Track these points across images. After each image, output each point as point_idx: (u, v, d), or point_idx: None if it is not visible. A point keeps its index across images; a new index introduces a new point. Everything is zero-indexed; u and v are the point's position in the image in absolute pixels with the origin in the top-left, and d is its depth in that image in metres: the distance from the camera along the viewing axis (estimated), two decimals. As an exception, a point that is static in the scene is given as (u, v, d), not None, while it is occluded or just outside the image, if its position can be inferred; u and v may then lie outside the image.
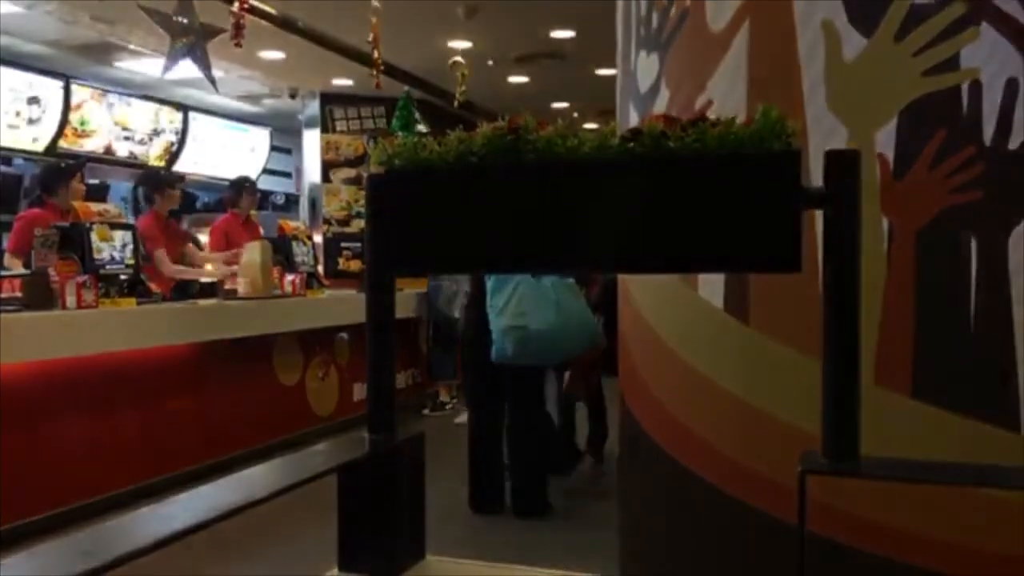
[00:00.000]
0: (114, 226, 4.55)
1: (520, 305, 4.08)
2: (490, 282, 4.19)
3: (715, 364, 2.12)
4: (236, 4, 5.07)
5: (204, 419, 5.14)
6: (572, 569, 2.00)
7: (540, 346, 4.11)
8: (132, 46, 7.14)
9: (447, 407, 7.20)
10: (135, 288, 4.57)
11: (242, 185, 6.77)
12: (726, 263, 1.58)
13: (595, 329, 4.45)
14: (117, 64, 7.82)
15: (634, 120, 2.42)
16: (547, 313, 4.09)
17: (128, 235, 4.62)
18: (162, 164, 8.87)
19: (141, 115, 8.45)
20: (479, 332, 4.33)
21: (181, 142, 8.96)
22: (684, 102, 2.18)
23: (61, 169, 5.32)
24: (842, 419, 1.36)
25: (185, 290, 6.09)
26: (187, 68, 5.28)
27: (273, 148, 10.47)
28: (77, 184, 5.10)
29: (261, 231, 6.58)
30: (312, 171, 9.66)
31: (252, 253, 5.48)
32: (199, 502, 1.35)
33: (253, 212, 6.81)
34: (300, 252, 6.14)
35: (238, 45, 5.13)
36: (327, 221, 9.22)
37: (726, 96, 2.06)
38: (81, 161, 6.53)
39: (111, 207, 4.87)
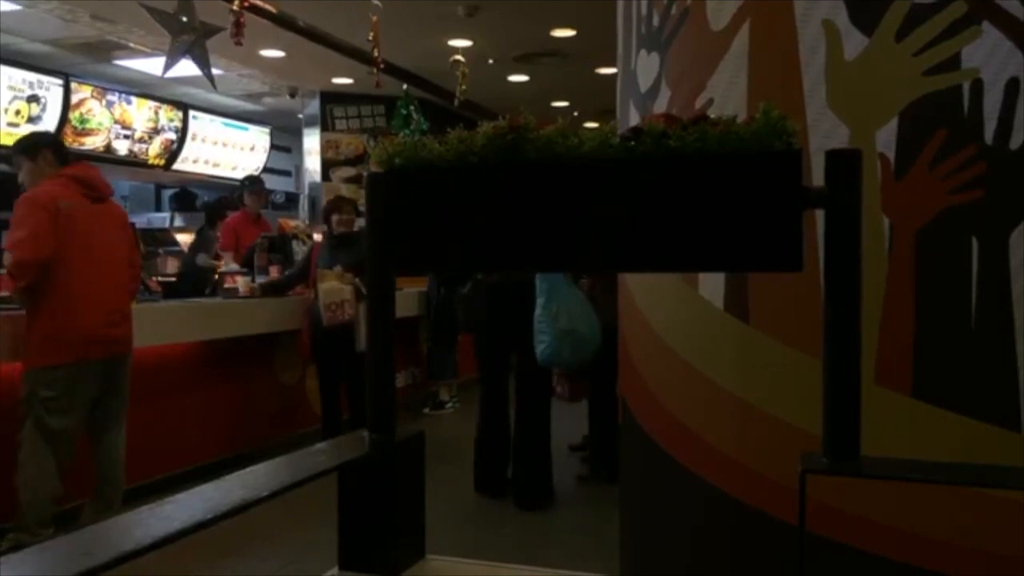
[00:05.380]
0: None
1: (569, 310, 4.21)
2: (542, 286, 4.26)
3: (715, 363, 2.12)
4: (236, 2, 5.06)
5: (203, 418, 5.14)
6: (572, 569, 2.00)
7: (587, 349, 4.28)
8: (132, 44, 7.14)
9: (447, 406, 7.20)
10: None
11: (244, 184, 7.02)
12: (727, 262, 1.57)
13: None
14: (117, 62, 7.83)
15: (635, 119, 2.42)
16: (590, 318, 4.25)
17: (128, 234, 4.61)
18: (162, 163, 8.87)
19: (141, 113, 8.45)
20: (494, 327, 4.53)
21: (181, 140, 8.97)
22: (685, 101, 2.18)
23: None
24: (842, 419, 1.35)
25: (179, 289, 6.09)
26: (187, 66, 5.28)
27: (273, 147, 10.47)
28: None
29: (272, 229, 6.64)
30: (312, 170, 9.66)
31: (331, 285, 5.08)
32: (199, 502, 1.35)
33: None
34: (300, 251, 6.14)
35: (238, 43, 5.12)
36: (327, 220, 9.22)
37: (727, 95, 2.06)
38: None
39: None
